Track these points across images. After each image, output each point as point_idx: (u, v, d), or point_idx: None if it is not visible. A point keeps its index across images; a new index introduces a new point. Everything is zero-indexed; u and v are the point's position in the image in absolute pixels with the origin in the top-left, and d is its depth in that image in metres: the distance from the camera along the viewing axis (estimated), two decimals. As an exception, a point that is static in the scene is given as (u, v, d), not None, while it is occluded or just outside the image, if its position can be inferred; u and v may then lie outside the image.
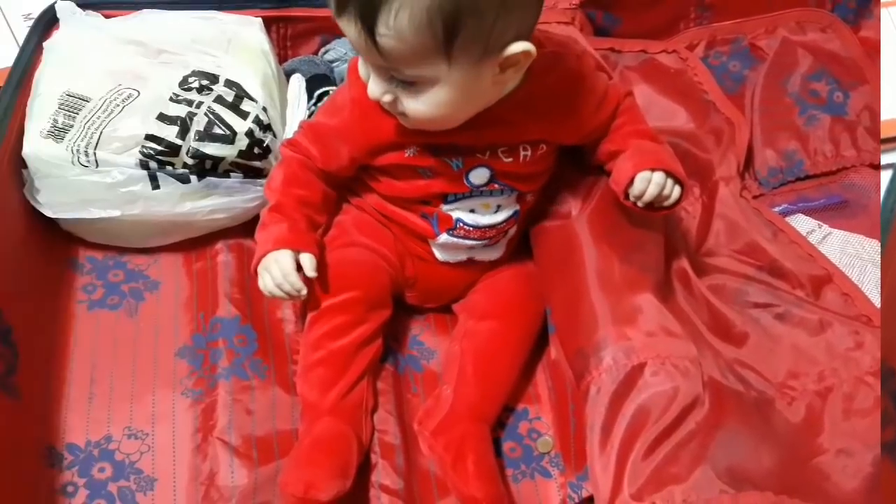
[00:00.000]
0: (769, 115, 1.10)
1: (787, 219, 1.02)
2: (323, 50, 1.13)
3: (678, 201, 0.84)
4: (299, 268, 0.83)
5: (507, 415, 0.90)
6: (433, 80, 0.74)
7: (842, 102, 1.11)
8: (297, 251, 0.83)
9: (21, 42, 1.16)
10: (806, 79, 1.12)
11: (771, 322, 0.89)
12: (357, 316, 0.87)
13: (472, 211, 0.88)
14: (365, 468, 0.83)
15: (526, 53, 0.74)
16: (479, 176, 0.85)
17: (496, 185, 0.86)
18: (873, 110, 1.10)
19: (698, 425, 0.75)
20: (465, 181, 0.85)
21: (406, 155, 0.84)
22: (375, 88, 0.76)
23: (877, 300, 0.89)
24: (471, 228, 0.89)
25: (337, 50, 1.11)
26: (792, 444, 0.79)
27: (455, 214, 0.88)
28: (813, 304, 0.90)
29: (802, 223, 1.03)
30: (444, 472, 0.83)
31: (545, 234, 0.93)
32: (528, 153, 0.85)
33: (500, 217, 0.89)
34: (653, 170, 0.82)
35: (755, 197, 1.04)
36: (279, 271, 0.82)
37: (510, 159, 0.85)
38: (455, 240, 0.89)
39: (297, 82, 1.04)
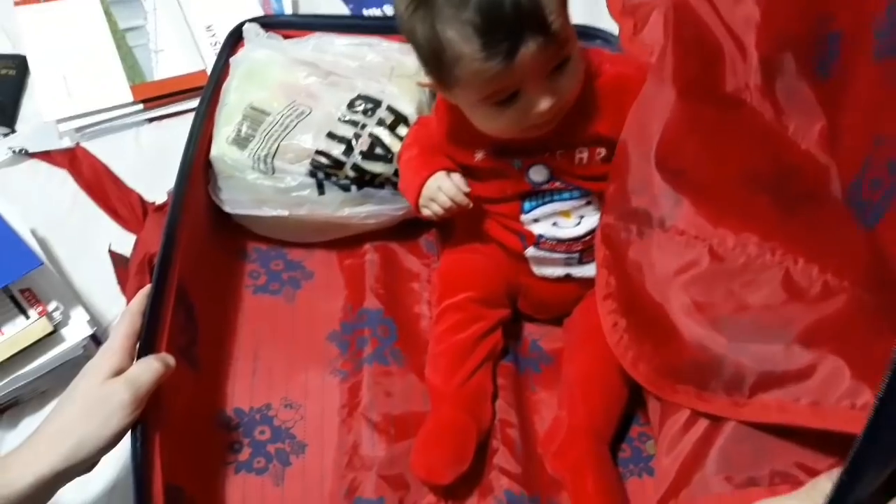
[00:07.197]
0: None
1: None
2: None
3: None
4: None
5: (618, 419, 0.93)
6: (572, 51, 0.79)
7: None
8: (448, 171, 0.90)
9: (202, 49, 1.32)
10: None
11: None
12: (473, 313, 0.94)
13: (554, 224, 0.92)
14: (487, 451, 0.90)
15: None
16: (538, 172, 0.90)
17: (557, 184, 0.90)
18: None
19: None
20: (525, 179, 0.90)
21: (476, 158, 0.91)
22: (546, 101, 0.79)
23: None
24: (554, 242, 0.93)
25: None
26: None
27: (537, 230, 0.93)
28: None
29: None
30: (567, 491, 0.87)
31: None
32: (585, 156, 0.89)
33: (581, 230, 0.92)
34: None
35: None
36: (444, 195, 0.89)
37: (565, 159, 0.89)
38: (543, 253, 0.94)
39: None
